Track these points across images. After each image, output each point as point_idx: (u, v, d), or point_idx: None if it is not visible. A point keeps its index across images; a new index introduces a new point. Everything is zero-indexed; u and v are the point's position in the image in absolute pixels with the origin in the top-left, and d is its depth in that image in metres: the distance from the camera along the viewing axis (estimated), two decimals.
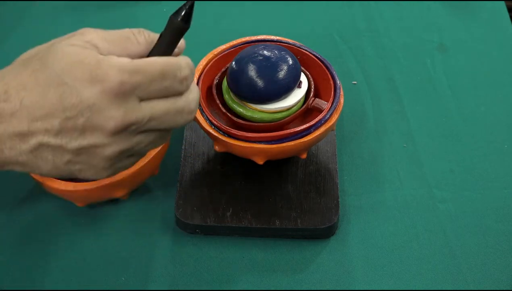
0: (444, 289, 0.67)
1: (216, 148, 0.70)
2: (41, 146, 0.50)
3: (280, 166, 0.74)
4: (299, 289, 0.67)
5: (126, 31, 0.52)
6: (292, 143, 0.67)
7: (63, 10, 0.96)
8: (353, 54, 0.90)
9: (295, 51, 0.74)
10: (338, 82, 0.71)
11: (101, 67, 0.48)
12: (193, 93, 0.53)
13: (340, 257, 0.69)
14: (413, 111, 0.83)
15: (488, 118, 0.82)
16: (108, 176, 0.53)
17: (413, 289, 0.67)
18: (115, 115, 0.49)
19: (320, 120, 0.68)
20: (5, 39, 0.91)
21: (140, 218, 0.72)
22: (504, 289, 0.67)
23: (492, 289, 0.67)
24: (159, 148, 0.68)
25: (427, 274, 0.68)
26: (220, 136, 0.68)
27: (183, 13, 0.51)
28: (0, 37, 0.91)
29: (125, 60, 0.49)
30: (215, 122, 0.68)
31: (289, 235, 0.70)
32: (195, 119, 0.70)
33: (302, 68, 0.73)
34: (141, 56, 0.52)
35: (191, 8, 0.52)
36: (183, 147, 0.76)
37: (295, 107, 0.70)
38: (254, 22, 0.94)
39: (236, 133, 0.67)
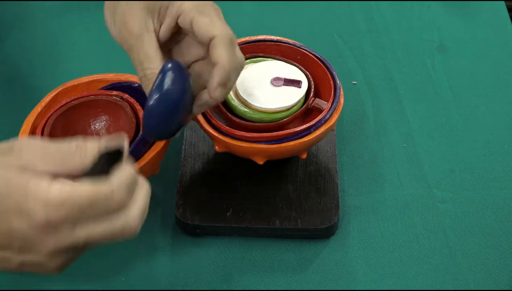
0: (444, 289, 0.67)
1: (216, 148, 0.70)
2: None
3: (280, 166, 0.74)
4: (299, 289, 0.67)
5: (65, 147, 0.51)
6: (292, 143, 0.67)
7: (63, 10, 0.96)
8: (353, 54, 0.90)
9: (295, 51, 0.74)
10: (338, 82, 0.71)
11: (27, 201, 0.48)
12: (134, 210, 0.51)
13: (340, 257, 0.69)
14: (413, 111, 0.83)
15: (488, 118, 0.82)
16: (64, 269, 0.53)
17: (413, 289, 0.67)
18: (46, 244, 0.49)
19: (320, 120, 0.68)
20: (5, 39, 0.91)
21: None
22: (504, 289, 0.67)
23: (492, 289, 0.67)
24: (159, 148, 0.68)
25: (427, 274, 0.68)
26: (220, 136, 0.68)
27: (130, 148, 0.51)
28: (0, 37, 0.91)
29: (53, 193, 0.48)
30: (215, 122, 0.68)
31: (289, 235, 0.70)
32: (196, 119, 0.70)
33: (302, 68, 0.73)
34: (83, 171, 0.50)
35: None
36: (183, 147, 0.76)
37: (295, 107, 0.70)
38: (254, 22, 0.94)
39: (236, 133, 0.67)
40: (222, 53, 0.59)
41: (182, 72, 0.58)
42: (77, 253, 0.52)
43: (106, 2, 0.64)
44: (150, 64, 0.60)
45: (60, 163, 0.51)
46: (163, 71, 0.58)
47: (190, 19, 0.61)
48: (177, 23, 0.62)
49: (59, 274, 0.53)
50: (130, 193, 0.51)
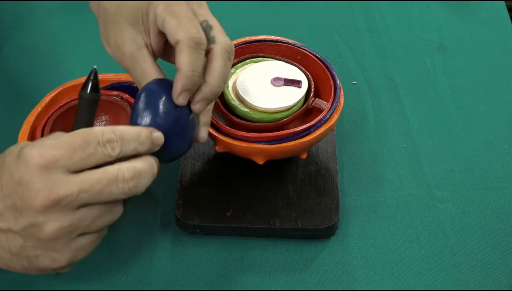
0: (444, 289, 0.67)
1: (216, 148, 0.70)
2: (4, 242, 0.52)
3: (280, 166, 0.74)
4: (299, 289, 0.67)
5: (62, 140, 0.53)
6: (292, 143, 0.67)
7: (63, 10, 0.96)
8: (353, 54, 0.90)
9: (295, 51, 0.74)
10: (338, 82, 0.71)
11: (26, 147, 0.51)
12: (128, 162, 0.52)
13: (340, 257, 0.69)
14: (413, 111, 0.83)
15: (488, 118, 0.82)
16: (69, 262, 0.53)
17: (413, 289, 0.67)
18: (40, 189, 0.50)
19: (320, 120, 0.68)
20: (5, 40, 0.91)
21: (140, 218, 0.72)
22: (504, 289, 0.67)
23: (492, 289, 0.67)
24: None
25: (427, 274, 0.68)
26: (220, 136, 0.68)
27: (90, 86, 0.53)
28: (0, 38, 0.91)
29: (49, 141, 0.51)
30: (215, 122, 0.68)
31: (289, 235, 0.70)
32: None
33: (302, 68, 0.73)
34: None
35: (96, 78, 0.53)
36: None
37: (295, 107, 0.70)
38: (254, 22, 0.94)
39: (236, 133, 0.67)
40: (183, 59, 0.57)
41: (154, 93, 0.58)
42: (71, 219, 0.51)
43: (99, 27, 0.65)
44: (147, 80, 0.60)
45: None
46: (135, 99, 0.58)
47: (162, 23, 0.60)
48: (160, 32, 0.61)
49: (66, 263, 0.53)
50: (118, 141, 0.52)
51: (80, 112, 0.54)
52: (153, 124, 0.56)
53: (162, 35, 0.61)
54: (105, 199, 0.52)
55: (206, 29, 0.59)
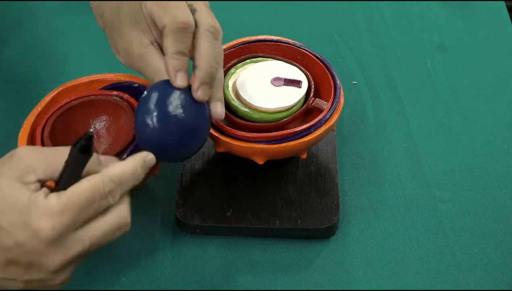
0: (444, 289, 0.67)
1: (216, 148, 0.70)
2: None
3: (280, 166, 0.74)
4: (299, 289, 0.67)
5: (58, 151, 0.54)
6: (292, 143, 0.67)
7: (63, 10, 0.96)
8: (353, 54, 0.90)
9: (295, 51, 0.74)
10: (338, 82, 0.71)
11: (31, 214, 0.50)
12: (123, 205, 0.54)
13: (340, 257, 0.69)
14: (413, 111, 0.83)
15: (488, 118, 0.82)
16: (67, 282, 0.55)
17: (413, 289, 0.67)
18: (55, 257, 0.51)
19: (320, 120, 0.68)
20: (5, 39, 0.91)
21: (140, 218, 0.72)
22: (504, 289, 0.67)
23: (492, 289, 0.67)
24: None
25: (427, 274, 0.68)
26: (220, 136, 0.68)
27: (79, 146, 0.52)
28: (0, 38, 0.91)
29: (52, 201, 0.51)
30: (215, 122, 0.68)
31: (289, 235, 0.70)
32: None
33: (302, 68, 0.73)
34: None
35: (89, 141, 0.52)
36: None
37: (295, 107, 0.70)
38: (254, 22, 0.94)
39: (236, 133, 0.67)
40: (166, 44, 0.59)
41: (160, 92, 0.58)
42: (79, 261, 0.54)
43: (108, 40, 0.66)
44: (160, 77, 0.61)
45: (58, 167, 0.53)
46: (142, 101, 0.58)
47: (151, 14, 0.60)
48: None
49: (61, 288, 0.54)
50: (118, 188, 0.53)
51: (69, 165, 0.53)
52: (166, 122, 0.57)
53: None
54: (108, 243, 0.54)
55: (191, 12, 0.60)
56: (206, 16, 0.61)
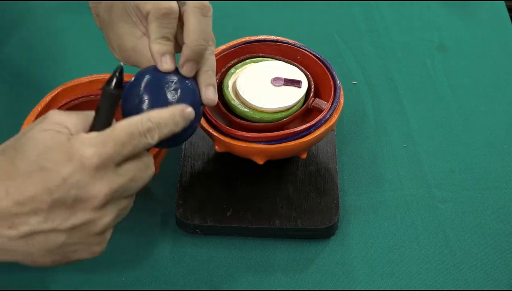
0: (444, 289, 0.67)
1: (216, 148, 0.70)
2: (33, 233, 0.50)
3: (280, 166, 0.74)
4: (299, 289, 0.67)
5: (86, 113, 0.55)
6: (292, 143, 0.67)
7: (63, 10, 0.96)
8: (353, 54, 0.90)
9: (295, 51, 0.74)
10: (338, 82, 0.71)
11: (74, 146, 0.50)
12: (149, 155, 0.55)
13: (340, 257, 0.69)
14: (413, 111, 0.83)
15: (488, 118, 0.82)
16: (100, 253, 0.54)
17: (413, 289, 0.67)
18: (100, 188, 0.51)
19: (320, 120, 0.68)
20: (5, 39, 0.91)
21: (140, 218, 0.72)
22: (504, 289, 0.67)
23: (492, 289, 0.67)
24: (158, 148, 0.68)
25: (427, 274, 0.68)
26: (220, 136, 0.68)
27: (114, 82, 0.53)
28: (0, 37, 0.91)
29: (93, 134, 0.51)
30: (215, 122, 0.68)
31: (289, 235, 0.70)
32: None
33: (302, 68, 0.73)
34: None
35: (121, 74, 0.53)
36: (183, 147, 0.76)
37: (295, 107, 0.70)
38: (254, 22, 0.94)
39: (236, 133, 0.67)
40: (150, 30, 0.59)
41: (135, 82, 0.59)
42: (121, 206, 0.53)
43: (105, 39, 0.66)
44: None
45: (86, 123, 0.54)
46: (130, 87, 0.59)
47: (137, 4, 0.60)
48: None
49: (99, 254, 0.54)
50: (155, 127, 0.53)
51: (102, 109, 0.54)
52: (156, 106, 0.56)
53: None
54: (140, 186, 0.54)
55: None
56: None
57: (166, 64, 0.59)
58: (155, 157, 0.68)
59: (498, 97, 0.84)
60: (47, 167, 0.50)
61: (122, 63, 0.54)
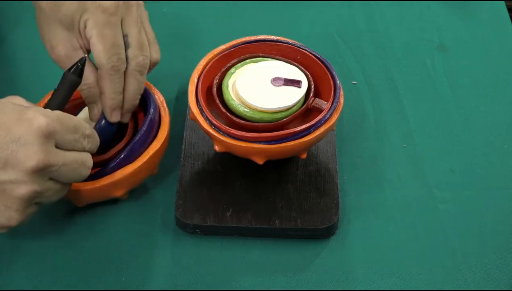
0: (444, 289, 0.67)
1: (216, 148, 0.70)
2: None
3: (280, 166, 0.74)
4: (299, 289, 0.67)
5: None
6: (292, 143, 0.67)
7: None
8: (353, 54, 0.90)
9: (295, 51, 0.74)
10: (338, 82, 0.71)
11: (29, 110, 0.56)
12: (89, 155, 0.62)
13: (340, 257, 0.69)
14: (413, 111, 0.83)
15: (488, 118, 0.82)
16: (17, 223, 0.58)
17: (413, 289, 0.67)
18: (37, 153, 0.55)
19: (320, 120, 0.68)
20: (5, 39, 0.91)
21: (140, 218, 0.72)
22: (504, 289, 0.67)
23: (492, 289, 0.67)
24: (157, 147, 0.68)
25: (427, 274, 0.68)
26: (220, 136, 0.68)
27: (76, 69, 0.62)
28: (0, 38, 0.91)
29: (48, 110, 0.58)
30: (215, 122, 0.68)
31: (289, 235, 0.70)
32: (195, 119, 0.70)
33: (302, 68, 0.73)
34: None
35: (83, 65, 0.62)
36: (183, 147, 0.76)
37: (295, 107, 0.70)
38: (254, 22, 0.94)
39: (236, 133, 0.67)
40: (106, 85, 0.67)
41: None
42: (48, 185, 0.58)
43: (38, 26, 0.69)
44: (86, 81, 0.66)
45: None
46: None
47: (89, 40, 0.66)
48: None
49: (15, 223, 0.58)
50: (94, 137, 0.62)
51: (59, 91, 0.62)
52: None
53: None
54: (71, 177, 0.59)
55: (125, 45, 0.66)
56: (137, 50, 0.67)
57: (115, 117, 0.68)
58: (154, 157, 0.68)
59: (498, 97, 0.84)
60: None
61: (86, 56, 0.63)
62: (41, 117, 0.56)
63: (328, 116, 0.69)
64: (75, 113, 0.70)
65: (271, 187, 0.73)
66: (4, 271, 0.68)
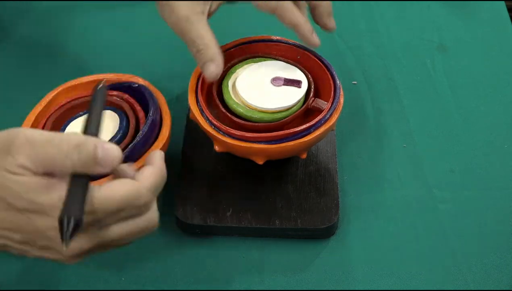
0: (444, 289, 0.67)
1: (216, 148, 0.70)
2: (6, 246, 0.52)
3: (280, 166, 0.74)
4: (299, 289, 0.67)
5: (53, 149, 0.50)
6: (292, 143, 0.67)
7: (62, 10, 0.96)
8: (353, 54, 0.90)
9: (295, 51, 0.74)
10: (338, 82, 0.71)
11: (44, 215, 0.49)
12: (153, 212, 0.54)
13: (340, 257, 0.69)
14: (413, 111, 0.83)
15: (488, 118, 0.82)
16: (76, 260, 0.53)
17: (413, 289, 0.67)
18: (74, 247, 0.50)
19: (320, 120, 0.68)
20: (5, 39, 0.91)
21: None
22: (504, 289, 0.67)
23: (492, 289, 0.67)
24: (157, 148, 0.68)
25: (427, 274, 0.68)
26: (220, 136, 0.68)
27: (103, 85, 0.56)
28: (0, 38, 0.91)
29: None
30: (215, 122, 0.68)
31: (289, 235, 0.70)
32: (195, 119, 0.70)
33: (302, 68, 0.73)
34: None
35: (106, 87, 0.57)
36: (183, 147, 0.76)
37: (295, 107, 0.70)
38: (254, 22, 0.94)
39: (236, 133, 0.67)
40: (293, 16, 0.68)
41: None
42: (99, 251, 0.53)
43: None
44: (202, 40, 0.66)
45: (49, 165, 0.50)
46: None
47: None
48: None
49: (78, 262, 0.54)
50: (153, 198, 0.53)
51: (95, 110, 0.54)
52: None
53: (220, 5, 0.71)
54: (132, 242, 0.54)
55: None
56: None
57: (318, 39, 0.69)
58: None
59: (498, 97, 0.84)
60: (23, 212, 0.49)
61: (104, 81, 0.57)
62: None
63: (328, 116, 0.69)
64: (68, 123, 0.70)
65: (271, 187, 0.73)
66: (4, 271, 0.68)
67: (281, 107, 0.69)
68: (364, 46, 0.91)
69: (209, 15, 0.69)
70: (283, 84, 0.70)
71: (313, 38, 0.69)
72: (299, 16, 0.68)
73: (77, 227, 0.47)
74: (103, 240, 0.51)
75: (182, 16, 0.67)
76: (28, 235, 0.50)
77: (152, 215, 0.54)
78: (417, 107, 0.83)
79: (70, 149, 0.49)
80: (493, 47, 0.91)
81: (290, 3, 0.68)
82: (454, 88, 0.85)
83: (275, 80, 0.70)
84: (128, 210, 0.51)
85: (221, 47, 0.74)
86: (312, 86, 0.71)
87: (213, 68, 0.67)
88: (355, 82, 0.86)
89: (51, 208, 0.49)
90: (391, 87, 0.86)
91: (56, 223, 0.47)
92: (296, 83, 0.70)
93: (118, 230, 0.51)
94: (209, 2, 0.69)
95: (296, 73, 0.71)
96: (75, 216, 0.47)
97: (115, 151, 0.50)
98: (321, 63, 0.73)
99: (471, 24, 0.94)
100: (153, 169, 0.54)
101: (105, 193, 0.50)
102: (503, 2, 0.96)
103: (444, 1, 0.97)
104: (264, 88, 0.70)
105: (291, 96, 0.69)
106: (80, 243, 0.50)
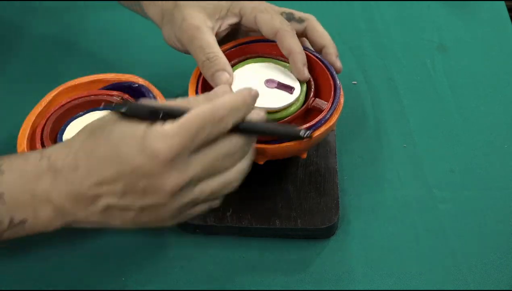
0: (444, 289, 0.67)
1: None
2: (109, 207, 0.56)
3: (280, 166, 0.74)
4: (299, 289, 0.67)
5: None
6: (292, 143, 0.67)
7: (63, 10, 0.96)
8: (353, 54, 0.90)
9: None
10: (338, 82, 0.71)
11: (147, 138, 0.53)
12: (246, 161, 0.59)
13: (340, 257, 0.69)
14: (413, 111, 0.83)
15: (488, 118, 0.82)
16: (176, 223, 0.58)
17: (413, 289, 0.67)
18: (170, 179, 0.54)
19: (320, 120, 0.68)
20: (5, 39, 0.91)
21: None
22: (504, 289, 0.67)
23: (492, 289, 0.67)
24: None
25: (427, 274, 0.68)
26: None
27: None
28: (0, 38, 0.91)
29: (167, 126, 0.53)
30: None
31: (289, 235, 0.70)
32: None
33: None
34: None
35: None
36: None
37: (295, 107, 0.70)
38: None
39: None
40: (291, 43, 0.69)
41: None
42: (192, 196, 0.56)
43: (163, 22, 0.73)
44: (212, 49, 0.69)
45: None
46: None
47: (253, 18, 0.72)
48: (234, 24, 0.73)
49: (174, 224, 0.58)
50: (230, 114, 0.55)
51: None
52: None
53: (228, 31, 0.74)
54: (224, 172, 0.57)
55: (289, 16, 0.73)
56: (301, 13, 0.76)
57: (307, 73, 0.71)
58: None
59: (498, 97, 0.84)
60: (120, 155, 0.53)
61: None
62: (160, 145, 0.53)
63: (328, 116, 0.69)
64: (68, 123, 0.70)
65: (271, 187, 0.73)
66: (5, 271, 0.68)
67: (281, 106, 0.68)
68: (364, 46, 0.91)
69: (217, 35, 0.72)
70: (275, 87, 0.70)
71: (304, 70, 0.70)
72: (296, 44, 0.70)
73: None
74: (194, 169, 0.54)
75: (193, 24, 0.69)
76: (128, 179, 0.53)
77: (234, 141, 0.56)
78: (417, 107, 0.83)
79: None
80: (493, 47, 0.91)
81: (293, 31, 0.71)
82: (454, 88, 0.85)
83: (268, 82, 0.71)
84: (209, 127, 0.54)
85: (221, 47, 0.74)
86: (312, 86, 0.71)
87: (226, 78, 0.68)
88: (355, 82, 0.86)
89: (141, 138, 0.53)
90: (391, 87, 0.86)
91: (152, 156, 0.52)
92: (289, 89, 0.70)
93: (203, 155, 0.55)
94: (219, 21, 0.72)
95: (292, 80, 0.71)
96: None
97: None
98: (321, 63, 0.73)
99: (471, 24, 0.94)
100: (229, 94, 0.58)
101: (184, 116, 0.54)
102: (503, 2, 0.96)
103: (444, 1, 0.97)
104: (263, 88, 0.70)
105: (280, 100, 0.69)
106: (175, 175, 0.53)
